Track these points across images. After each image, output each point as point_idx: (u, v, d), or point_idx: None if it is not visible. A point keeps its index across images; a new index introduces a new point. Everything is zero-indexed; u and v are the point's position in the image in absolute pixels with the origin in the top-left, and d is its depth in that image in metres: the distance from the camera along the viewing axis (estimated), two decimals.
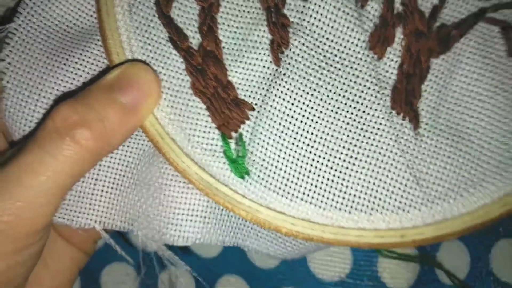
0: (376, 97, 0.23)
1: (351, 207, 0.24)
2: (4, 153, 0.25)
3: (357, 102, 0.24)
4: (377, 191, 0.24)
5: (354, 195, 0.24)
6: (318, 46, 0.24)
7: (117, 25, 0.24)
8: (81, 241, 0.28)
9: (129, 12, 0.24)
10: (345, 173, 0.24)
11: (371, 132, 0.24)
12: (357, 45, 0.23)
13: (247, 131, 0.24)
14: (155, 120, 0.24)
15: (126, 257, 0.27)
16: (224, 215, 0.26)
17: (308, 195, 0.24)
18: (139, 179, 0.26)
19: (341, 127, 0.24)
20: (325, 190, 0.24)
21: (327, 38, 0.24)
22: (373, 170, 0.24)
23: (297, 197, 0.24)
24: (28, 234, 0.22)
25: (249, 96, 0.24)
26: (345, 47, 0.24)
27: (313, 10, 0.23)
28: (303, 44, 0.24)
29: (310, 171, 0.24)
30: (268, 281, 0.36)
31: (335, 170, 0.24)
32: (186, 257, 0.27)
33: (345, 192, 0.24)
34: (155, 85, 0.23)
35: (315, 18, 0.24)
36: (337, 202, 0.24)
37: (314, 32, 0.24)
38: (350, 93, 0.24)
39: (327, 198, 0.24)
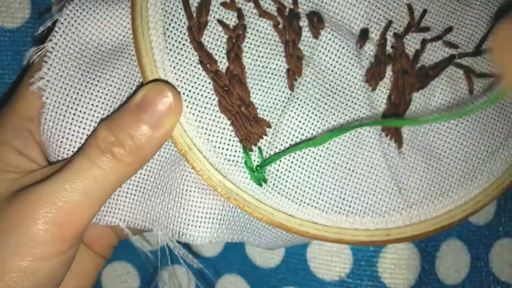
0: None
1: (348, 211, 0.28)
2: (42, 169, 0.26)
3: None
4: (368, 198, 0.29)
5: (350, 201, 0.28)
6: (325, 76, 0.28)
7: (151, 45, 0.27)
8: (101, 247, 0.30)
9: (163, 35, 0.27)
10: (343, 183, 0.28)
11: (365, 149, 0.29)
12: (355, 77, 0.29)
13: (265, 145, 0.28)
14: (184, 132, 0.27)
15: (148, 254, 0.29)
16: (235, 216, 0.30)
17: (313, 200, 0.28)
18: (161, 184, 0.29)
19: (341, 144, 0.28)
20: (327, 197, 0.28)
21: (332, 70, 0.28)
22: (365, 181, 0.29)
23: (304, 202, 0.28)
24: (74, 236, 0.24)
25: (267, 115, 0.28)
26: (346, 78, 0.29)
27: (322, 46, 0.28)
28: (313, 74, 0.28)
29: (315, 181, 0.28)
30: (269, 281, 0.36)
31: (336, 180, 0.28)
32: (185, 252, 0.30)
33: (343, 199, 0.28)
34: (175, 102, 0.26)
35: (323, 53, 0.28)
36: (336, 206, 0.28)
37: (322, 64, 0.28)
38: (349, 116, 0.28)
39: (329, 203, 0.28)
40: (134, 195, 0.28)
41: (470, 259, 0.37)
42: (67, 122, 0.27)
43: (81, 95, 0.27)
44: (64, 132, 0.27)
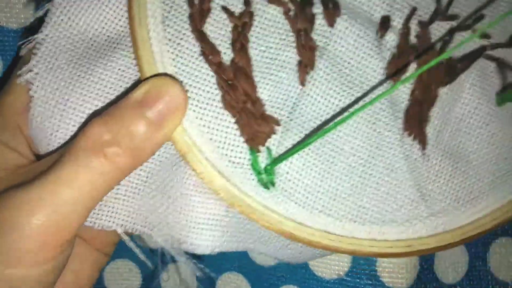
0: (390, 119, 0.26)
1: (365, 219, 0.26)
2: (30, 165, 0.25)
3: (374, 123, 0.26)
4: (388, 205, 0.26)
5: (368, 208, 0.26)
6: (340, 70, 0.26)
7: (149, 35, 0.24)
8: (101, 244, 0.29)
9: (162, 24, 0.24)
10: (360, 188, 0.26)
11: (385, 151, 0.26)
12: (375, 71, 0.26)
13: (273, 145, 0.25)
14: (184, 131, 0.24)
15: (145, 260, 0.27)
16: (240, 223, 0.27)
17: (326, 207, 0.25)
18: (160, 187, 0.26)
19: (358, 145, 0.26)
20: (341, 203, 0.26)
21: (349, 63, 0.26)
22: (385, 186, 0.26)
23: (316, 209, 0.25)
24: (62, 243, 0.22)
25: (276, 112, 0.25)
26: (364, 72, 0.26)
27: (338, 36, 0.25)
28: (327, 67, 0.25)
29: (329, 185, 0.25)
30: (268, 279, 0.36)
31: (352, 184, 0.26)
32: (187, 253, 0.28)
33: (359, 206, 0.26)
34: (182, 99, 0.23)
35: (339, 43, 0.25)
36: (352, 214, 0.26)
37: (337, 56, 0.26)
38: (368, 114, 0.26)
39: (344, 210, 0.26)
40: (132, 197, 0.26)
41: (469, 258, 0.37)
42: (55, 118, 0.25)
43: (72, 90, 0.25)
44: (53, 129, 0.25)
